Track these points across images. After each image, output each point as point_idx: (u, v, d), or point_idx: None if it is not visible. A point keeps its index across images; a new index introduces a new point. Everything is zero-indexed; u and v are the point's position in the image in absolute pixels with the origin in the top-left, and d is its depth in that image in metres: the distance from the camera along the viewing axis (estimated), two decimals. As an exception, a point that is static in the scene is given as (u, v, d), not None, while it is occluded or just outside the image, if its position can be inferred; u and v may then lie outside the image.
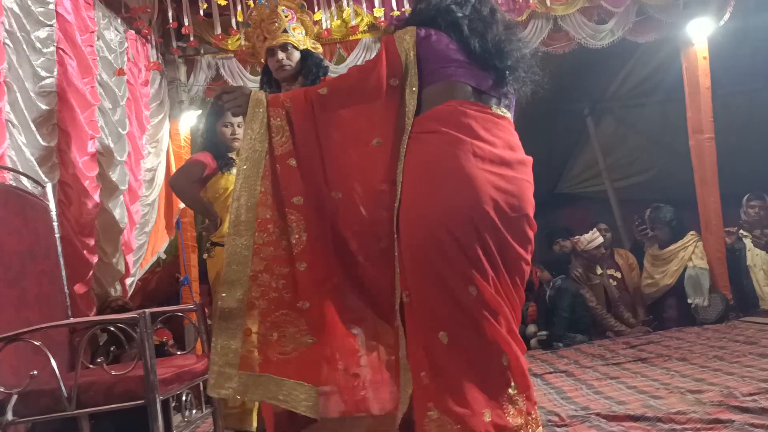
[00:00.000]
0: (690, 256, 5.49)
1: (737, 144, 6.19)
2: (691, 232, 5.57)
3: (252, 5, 4.38)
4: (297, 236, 1.92)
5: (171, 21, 4.21)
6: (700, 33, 5.50)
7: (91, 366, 2.70)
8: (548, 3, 5.01)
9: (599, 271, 5.60)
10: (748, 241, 5.48)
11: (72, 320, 2.47)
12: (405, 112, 1.92)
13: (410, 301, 1.85)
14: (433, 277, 1.80)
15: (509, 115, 2.01)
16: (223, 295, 1.89)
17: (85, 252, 3.29)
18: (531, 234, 1.90)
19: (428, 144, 1.87)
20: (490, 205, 1.79)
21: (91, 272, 3.37)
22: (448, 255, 1.79)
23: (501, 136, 1.90)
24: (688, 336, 4.77)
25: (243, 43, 3.09)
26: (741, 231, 5.58)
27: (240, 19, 4.29)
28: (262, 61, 3.04)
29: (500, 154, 1.86)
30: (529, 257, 1.90)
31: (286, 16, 2.99)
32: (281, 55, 2.94)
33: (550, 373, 3.92)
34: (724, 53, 5.62)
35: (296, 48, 2.97)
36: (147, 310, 2.25)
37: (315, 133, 1.95)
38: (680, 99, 5.82)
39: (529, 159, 1.95)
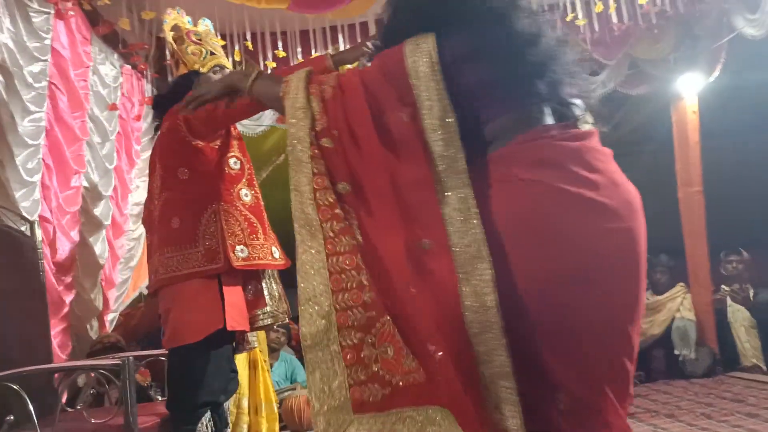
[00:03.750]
0: (678, 307, 5.48)
1: (725, 197, 6.24)
2: (680, 284, 5.58)
3: (249, 46, 4.42)
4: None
5: (168, 57, 4.21)
6: (690, 88, 5.59)
7: (70, 409, 2.63)
8: (542, 53, 5.05)
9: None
10: (728, 297, 5.50)
11: (53, 365, 2.42)
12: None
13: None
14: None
15: (591, 123, 1.52)
16: (302, 320, 1.38)
17: (62, 288, 3.23)
18: (644, 299, 1.43)
19: (512, 200, 1.37)
20: (600, 290, 1.33)
21: (67, 309, 3.31)
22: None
23: (601, 168, 1.39)
24: (676, 390, 4.74)
25: (170, 39, 2.58)
26: (723, 286, 5.59)
27: (237, 58, 4.32)
28: (189, 68, 2.56)
29: (605, 202, 1.35)
30: (638, 329, 1.41)
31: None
32: None
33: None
34: (713, 107, 5.70)
35: None
36: (130, 355, 2.21)
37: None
38: (670, 150, 5.88)
39: (636, 192, 1.43)
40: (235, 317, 2.20)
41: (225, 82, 1.80)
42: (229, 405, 3.36)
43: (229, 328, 2.17)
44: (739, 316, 5.37)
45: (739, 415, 3.63)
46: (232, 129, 2.42)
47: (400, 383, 1.32)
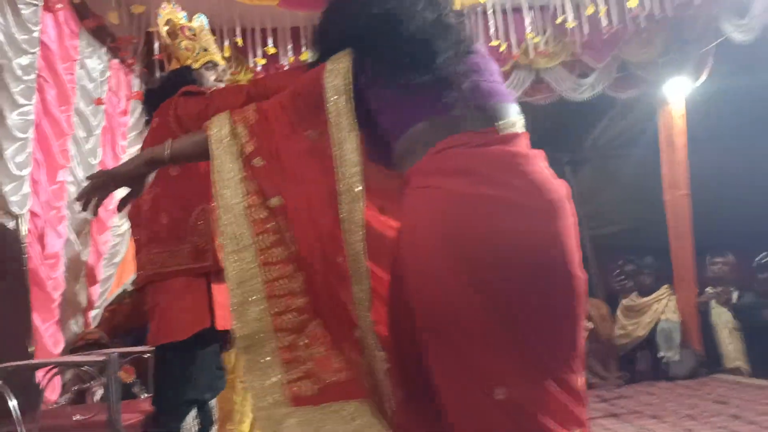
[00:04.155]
0: (663, 309, 5.53)
1: (711, 200, 6.29)
2: (665, 286, 5.62)
3: (239, 42, 4.40)
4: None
5: (158, 52, 4.18)
6: (677, 92, 5.64)
7: (54, 405, 2.61)
8: (531, 55, 5.08)
9: (572, 321, 5.59)
10: (712, 300, 5.54)
11: (37, 361, 2.39)
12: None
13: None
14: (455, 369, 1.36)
15: (521, 122, 1.50)
16: (236, 323, 1.46)
17: (51, 283, 3.20)
18: (582, 293, 1.39)
19: (425, 209, 1.39)
20: (519, 292, 1.33)
21: (56, 304, 3.28)
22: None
23: (522, 171, 1.40)
24: (660, 391, 4.78)
25: (163, 33, 2.52)
26: (708, 289, 5.63)
27: (227, 54, 4.29)
28: (182, 63, 2.52)
29: (523, 203, 1.36)
30: (582, 324, 1.40)
31: None
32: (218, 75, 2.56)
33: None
34: (701, 111, 5.74)
35: None
36: (115, 351, 2.19)
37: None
38: (657, 153, 5.93)
39: (561, 191, 1.42)
40: (224, 316, 2.18)
41: (142, 156, 1.68)
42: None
43: (218, 328, 2.16)
44: (722, 318, 5.41)
45: (722, 416, 3.65)
46: None
47: (331, 380, 1.43)
